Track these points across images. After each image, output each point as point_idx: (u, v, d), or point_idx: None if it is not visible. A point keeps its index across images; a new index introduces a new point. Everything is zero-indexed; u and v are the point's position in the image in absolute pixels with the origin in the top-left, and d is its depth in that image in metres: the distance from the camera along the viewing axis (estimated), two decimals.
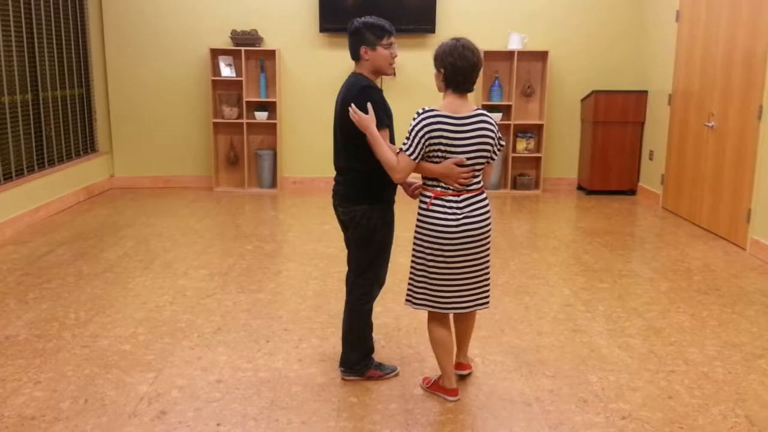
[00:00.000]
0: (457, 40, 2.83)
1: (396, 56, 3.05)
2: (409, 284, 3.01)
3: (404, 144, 2.81)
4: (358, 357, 3.22)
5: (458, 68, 2.79)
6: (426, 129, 2.78)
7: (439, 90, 2.91)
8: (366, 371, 3.23)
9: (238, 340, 3.69)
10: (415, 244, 2.94)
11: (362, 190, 3.03)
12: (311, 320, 3.96)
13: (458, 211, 2.85)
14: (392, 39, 3.01)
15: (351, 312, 3.18)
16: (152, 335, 3.75)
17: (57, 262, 5.03)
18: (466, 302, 2.96)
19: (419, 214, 2.91)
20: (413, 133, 2.79)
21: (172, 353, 3.53)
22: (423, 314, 4.07)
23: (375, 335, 3.60)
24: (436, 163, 2.83)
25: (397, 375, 3.28)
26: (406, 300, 3.03)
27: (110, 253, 5.27)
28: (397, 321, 3.97)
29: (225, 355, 3.51)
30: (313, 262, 5.09)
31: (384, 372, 3.25)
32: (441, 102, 2.87)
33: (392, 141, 3.04)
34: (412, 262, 2.97)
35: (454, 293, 2.94)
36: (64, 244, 5.50)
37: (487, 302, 3.02)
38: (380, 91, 3.01)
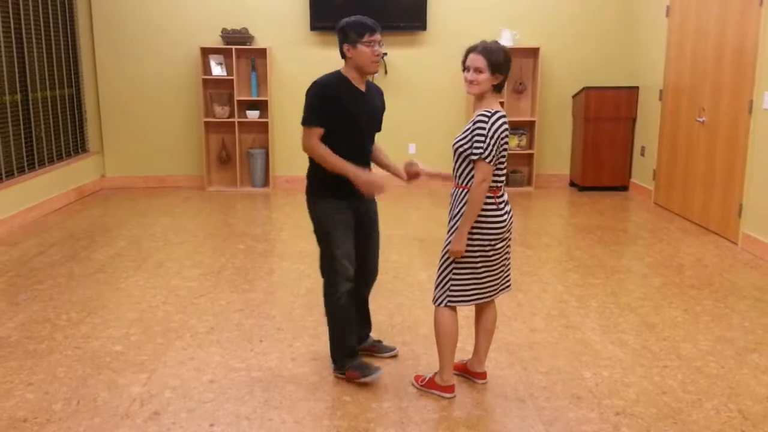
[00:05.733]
0: (498, 43, 2.86)
1: (379, 54, 3.05)
2: (452, 286, 2.96)
3: (478, 150, 2.78)
4: (336, 353, 3.23)
5: (509, 71, 2.89)
6: (499, 132, 2.80)
7: (479, 92, 2.87)
8: (346, 371, 3.21)
9: (231, 340, 3.68)
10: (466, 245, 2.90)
11: (311, 183, 3.17)
12: (304, 319, 3.95)
13: (505, 207, 2.94)
14: (375, 37, 3.01)
15: (324, 305, 3.22)
16: (145, 336, 3.73)
17: (48, 263, 5.00)
18: (500, 285, 3.07)
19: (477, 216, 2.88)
20: (490, 138, 2.78)
21: (164, 354, 3.51)
22: (418, 311, 4.07)
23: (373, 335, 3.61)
24: (502, 163, 2.87)
25: (378, 377, 3.18)
26: (450, 302, 2.97)
27: (102, 254, 5.25)
28: (391, 318, 3.97)
29: (218, 355, 3.50)
30: (305, 261, 5.07)
31: (363, 374, 3.16)
32: (489, 104, 2.86)
33: (352, 137, 3.06)
34: (455, 263, 2.93)
35: (494, 280, 3.02)
36: (56, 245, 5.47)
37: (511, 283, 3.16)
38: (330, 87, 3.01)
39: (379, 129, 3.29)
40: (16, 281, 4.62)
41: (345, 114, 3.03)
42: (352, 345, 3.23)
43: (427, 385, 3.11)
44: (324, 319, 3.93)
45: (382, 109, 3.26)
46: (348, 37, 3.01)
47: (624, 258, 5.17)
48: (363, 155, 3.17)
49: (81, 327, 3.85)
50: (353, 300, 3.37)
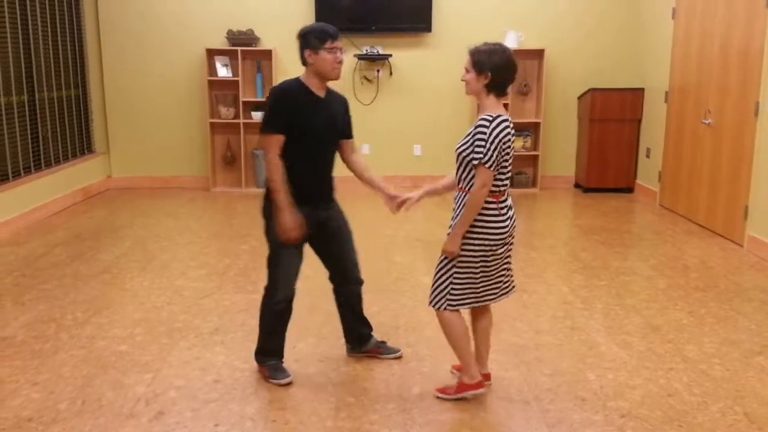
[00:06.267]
0: (499, 45, 2.83)
1: (341, 61, 3.06)
2: (452, 290, 2.92)
3: (478, 155, 2.75)
4: (259, 348, 3.28)
5: (508, 74, 2.82)
6: (501, 136, 2.77)
7: (472, 93, 2.87)
8: (261, 365, 3.28)
9: (236, 340, 3.68)
10: (464, 249, 2.87)
11: (268, 186, 3.15)
12: (307, 320, 3.95)
13: (508, 212, 2.92)
14: (337, 44, 3.04)
15: (261, 304, 3.24)
16: (150, 336, 3.74)
17: (54, 263, 5.01)
18: (500, 290, 3.03)
19: (477, 220, 2.85)
20: (491, 143, 2.74)
21: (169, 353, 3.52)
22: (422, 312, 4.06)
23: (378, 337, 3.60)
24: (506, 167, 2.84)
25: (285, 383, 3.19)
26: (450, 306, 2.94)
27: (107, 254, 5.26)
28: (395, 320, 3.97)
29: (223, 355, 3.51)
30: (308, 262, 5.04)
31: (272, 376, 3.21)
32: (491, 108, 2.83)
33: (310, 144, 3.05)
34: (456, 267, 2.90)
35: (491, 284, 2.98)
36: (61, 245, 5.49)
37: (514, 286, 3.12)
38: (288, 93, 3.02)
39: (348, 136, 3.25)
40: (22, 281, 4.63)
41: (302, 121, 3.03)
42: (274, 348, 3.27)
43: (460, 390, 3.04)
44: (328, 320, 3.93)
45: (344, 116, 3.22)
46: (309, 44, 3.02)
47: (629, 260, 5.16)
48: (323, 163, 3.15)
49: (86, 327, 3.86)
50: (344, 303, 3.40)
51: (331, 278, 3.37)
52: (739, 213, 5.54)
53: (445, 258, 2.93)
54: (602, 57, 7.78)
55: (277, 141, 3.02)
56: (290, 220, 3.02)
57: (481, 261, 2.89)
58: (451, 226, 2.93)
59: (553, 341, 3.69)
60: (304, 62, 3.06)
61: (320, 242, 3.25)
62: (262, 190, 3.17)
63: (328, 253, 3.29)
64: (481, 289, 2.97)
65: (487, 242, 2.86)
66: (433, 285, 2.99)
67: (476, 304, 3.00)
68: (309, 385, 3.19)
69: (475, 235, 2.86)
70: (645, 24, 7.51)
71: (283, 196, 3.01)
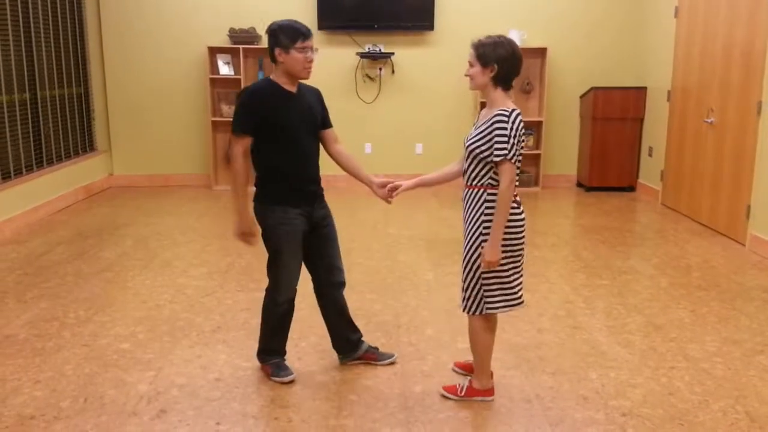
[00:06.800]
0: (503, 37, 2.78)
1: (312, 60, 3.02)
2: (484, 292, 2.86)
3: (502, 151, 2.70)
4: (261, 347, 3.29)
5: (514, 66, 2.77)
6: (520, 128, 2.73)
7: (477, 87, 2.83)
8: (263, 364, 3.29)
9: (238, 339, 3.68)
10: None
11: (258, 189, 3.15)
12: (310, 318, 3.95)
13: (521, 206, 2.88)
14: (308, 43, 2.99)
15: (263, 306, 3.24)
16: (152, 334, 3.75)
17: (56, 262, 5.02)
18: (521, 291, 2.96)
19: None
20: (513, 137, 2.70)
21: (171, 352, 3.52)
22: (425, 311, 4.06)
23: (376, 339, 3.60)
24: (521, 161, 2.80)
25: (289, 380, 3.20)
26: (487, 310, 2.88)
27: (109, 252, 5.26)
28: (397, 319, 3.97)
29: (224, 353, 3.51)
30: None
31: (275, 374, 3.22)
32: (502, 103, 2.78)
33: (287, 141, 3.01)
34: (486, 270, 2.84)
35: (519, 285, 2.93)
36: (63, 243, 5.50)
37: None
38: (258, 94, 2.99)
39: (327, 126, 3.22)
40: (24, 279, 4.64)
41: (275, 118, 2.99)
42: (276, 347, 3.28)
43: (468, 394, 3.03)
44: None
45: (320, 107, 3.18)
46: (280, 42, 2.98)
47: (631, 259, 5.16)
48: (306, 159, 3.11)
49: (88, 325, 3.87)
50: (331, 308, 3.35)
51: (315, 281, 3.29)
52: (742, 212, 5.54)
53: (469, 263, 2.85)
54: (605, 56, 7.77)
55: (242, 143, 3.00)
56: (244, 225, 3.08)
57: (511, 258, 2.84)
58: (466, 223, 2.86)
59: (554, 340, 3.69)
60: (274, 60, 3.01)
61: (312, 243, 3.18)
62: (251, 193, 3.15)
63: (318, 254, 3.21)
64: (516, 287, 2.90)
65: (516, 238, 2.82)
66: (466, 292, 2.90)
67: (512, 303, 2.91)
68: (311, 384, 3.19)
69: (504, 234, 2.80)
70: (647, 23, 7.50)
71: (241, 201, 3.06)
